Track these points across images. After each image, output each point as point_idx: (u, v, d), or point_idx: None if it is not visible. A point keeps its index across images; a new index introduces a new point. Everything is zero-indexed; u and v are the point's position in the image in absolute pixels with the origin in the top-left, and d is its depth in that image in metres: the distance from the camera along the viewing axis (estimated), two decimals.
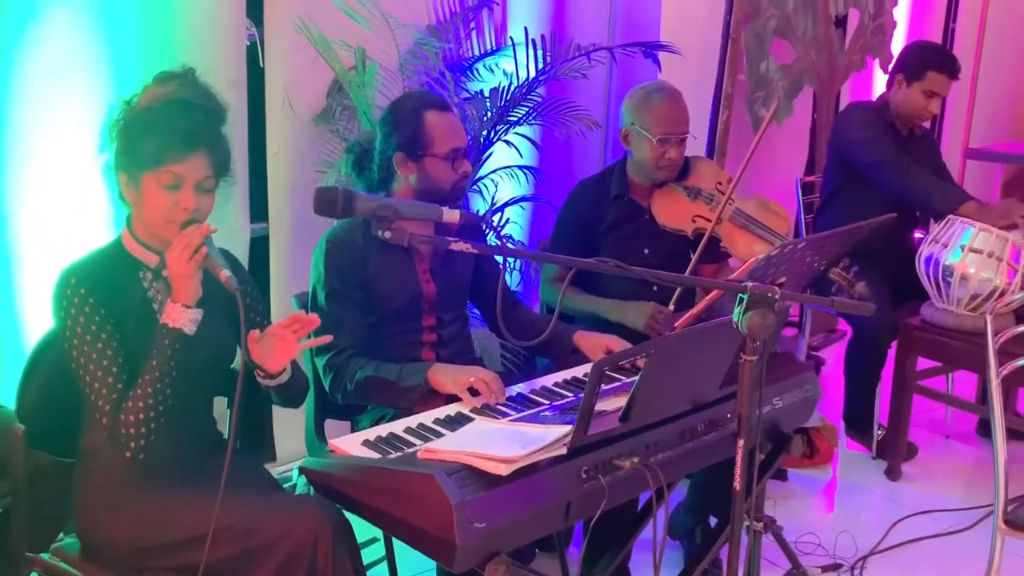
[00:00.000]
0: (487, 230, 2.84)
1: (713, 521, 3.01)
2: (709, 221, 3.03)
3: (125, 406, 1.96)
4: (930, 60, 3.82)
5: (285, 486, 2.41)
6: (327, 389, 2.47)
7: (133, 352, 2.00)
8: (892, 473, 3.73)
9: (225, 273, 1.95)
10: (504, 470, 1.77)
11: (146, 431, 1.96)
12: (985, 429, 4.07)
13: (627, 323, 2.99)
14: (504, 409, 2.22)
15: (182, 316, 1.98)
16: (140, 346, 2.00)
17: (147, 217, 2.03)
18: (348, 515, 2.06)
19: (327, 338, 2.21)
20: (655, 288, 3.05)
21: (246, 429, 2.36)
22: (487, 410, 2.22)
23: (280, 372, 2.13)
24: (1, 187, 2.74)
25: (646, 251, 3.08)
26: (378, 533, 2.48)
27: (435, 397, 2.33)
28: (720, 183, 3.15)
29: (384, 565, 2.53)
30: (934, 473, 3.81)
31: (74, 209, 2.80)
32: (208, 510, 1.91)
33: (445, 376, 2.33)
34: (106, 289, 2.01)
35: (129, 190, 2.03)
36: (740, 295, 1.77)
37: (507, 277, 2.73)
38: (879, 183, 3.78)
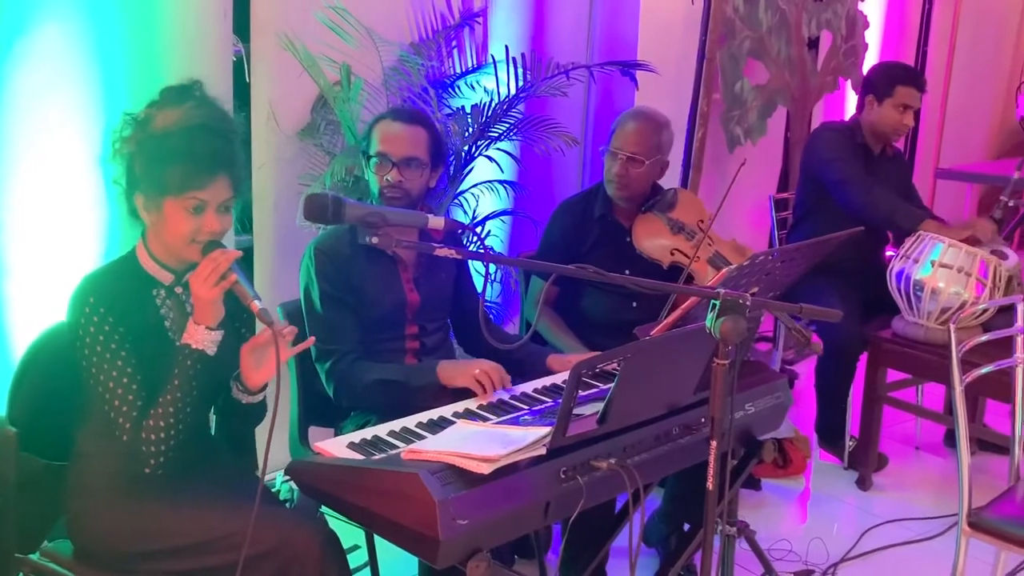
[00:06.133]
0: (474, 239, 2.89)
1: (688, 528, 3.07)
2: (687, 257, 3.09)
3: (146, 424, 1.99)
4: (897, 75, 3.91)
5: None
6: (332, 395, 2.52)
7: (146, 369, 2.02)
8: (863, 483, 3.79)
9: (257, 305, 1.98)
10: (486, 469, 1.82)
11: (166, 448, 1.99)
12: (952, 440, 4.13)
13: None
14: (485, 413, 2.28)
15: (205, 337, 2.01)
16: (153, 363, 2.03)
17: (169, 240, 2.04)
18: (331, 520, 2.09)
19: (311, 340, 2.19)
20: (635, 304, 3.12)
21: (234, 440, 2.38)
22: (469, 414, 2.28)
23: (261, 389, 2.14)
24: None
25: (627, 272, 3.10)
26: (360, 540, 2.52)
27: (444, 394, 2.39)
28: (702, 220, 3.21)
29: (367, 571, 2.57)
30: (904, 483, 3.88)
31: (63, 220, 2.84)
32: (203, 518, 1.94)
33: (454, 371, 2.41)
34: (121, 306, 2.02)
35: (148, 212, 2.04)
36: (713, 301, 1.84)
37: (488, 288, 2.78)
38: (843, 201, 3.83)
